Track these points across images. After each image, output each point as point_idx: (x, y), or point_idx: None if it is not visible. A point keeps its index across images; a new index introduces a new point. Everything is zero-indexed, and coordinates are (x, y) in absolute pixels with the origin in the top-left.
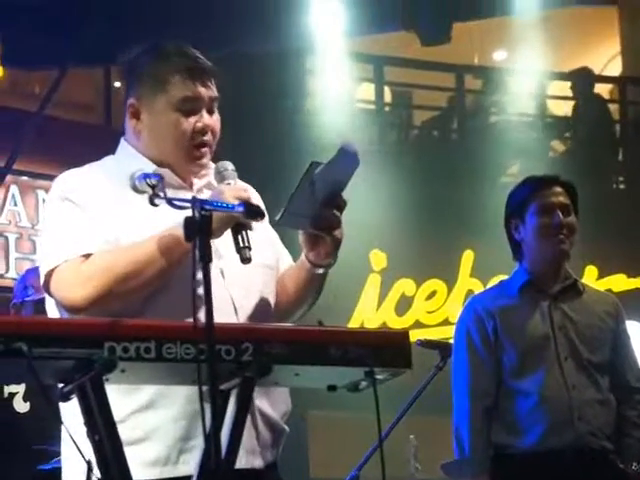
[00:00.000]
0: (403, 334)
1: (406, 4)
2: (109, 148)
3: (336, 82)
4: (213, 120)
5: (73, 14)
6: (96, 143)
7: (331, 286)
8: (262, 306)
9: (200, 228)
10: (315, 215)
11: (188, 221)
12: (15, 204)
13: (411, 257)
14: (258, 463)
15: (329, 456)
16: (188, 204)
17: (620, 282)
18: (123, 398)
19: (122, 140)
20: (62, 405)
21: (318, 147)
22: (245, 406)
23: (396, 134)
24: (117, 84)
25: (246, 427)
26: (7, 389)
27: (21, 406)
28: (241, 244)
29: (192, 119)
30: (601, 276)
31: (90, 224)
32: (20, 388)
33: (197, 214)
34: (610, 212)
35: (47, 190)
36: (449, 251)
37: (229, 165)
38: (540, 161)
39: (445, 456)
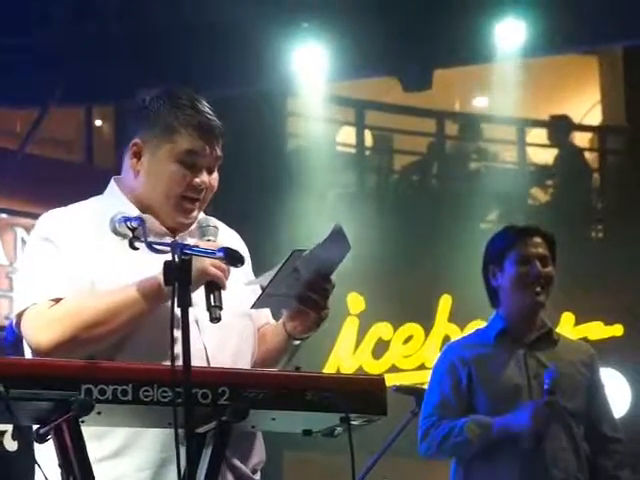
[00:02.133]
0: (379, 381)
1: (389, 50)
2: (90, 186)
3: (317, 125)
4: (212, 179)
5: (55, 53)
6: (77, 181)
7: None
8: (237, 357)
9: (180, 272)
10: (300, 294)
11: (167, 265)
12: None
13: (389, 300)
14: None
15: None
16: (168, 248)
17: (597, 330)
18: (90, 445)
19: (112, 180)
20: (37, 446)
21: (299, 188)
22: (221, 450)
23: (376, 178)
24: (98, 122)
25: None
26: None
27: (10, 444)
28: (212, 302)
29: (190, 174)
30: (578, 323)
31: (65, 267)
32: (9, 427)
33: (177, 258)
34: (588, 260)
35: (26, 228)
36: (427, 295)
37: (212, 221)
38: (519, 209)
39: None
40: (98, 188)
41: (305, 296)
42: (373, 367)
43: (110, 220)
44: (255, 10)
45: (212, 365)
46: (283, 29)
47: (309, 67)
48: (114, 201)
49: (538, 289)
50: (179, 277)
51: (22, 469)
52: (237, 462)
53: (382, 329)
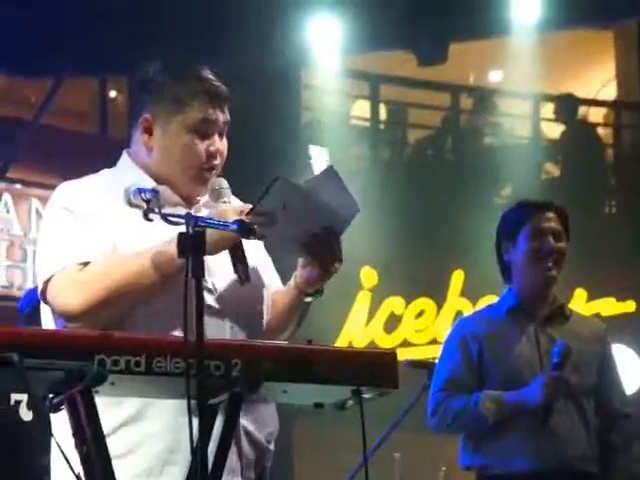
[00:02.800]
0: (391, 354)
1: (404, 24)
2: (104, 157)
3: (332, 98)
4: (223, 144)
5: (70, 26)
6: (91, 152)
7: (321, 301)
8: (252, 323)
9: (193, 244)
10: (308, 244)
11: (181, 237)
12: (8, 212)
13: (401, 275)
14: None
15: (315, 472)
16: (182, 220)
17: (609, 306)
18: (109, 411)
19: (124, 152)
20: (53, 416)
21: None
22: (233, 421)
23: (390, 152)
24: (113, 94)
25: (234, 447)
26: (13, 396)
27: (26, 414)
28: (239, 265)
29: (206, 142)
30: (590, 299)
31: (87, 233)
32: (24, 396)
33: (191, 230)
34: (601, 236)
35: (41, 198)
36: (439, 270)
37: (224, 183)
38: (532, 184)
39: (428, 471)
40: (112, 159)
41: (312, 247)
42: (385, 341)
43: (124, 191)
44: None
45: (230, 328)
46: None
47: (323, 39)
48: (129, 172)
49: (550, 264)
50: (193, 248)
51: (38, 438)
52: (252, 429)
53: (394, 303)
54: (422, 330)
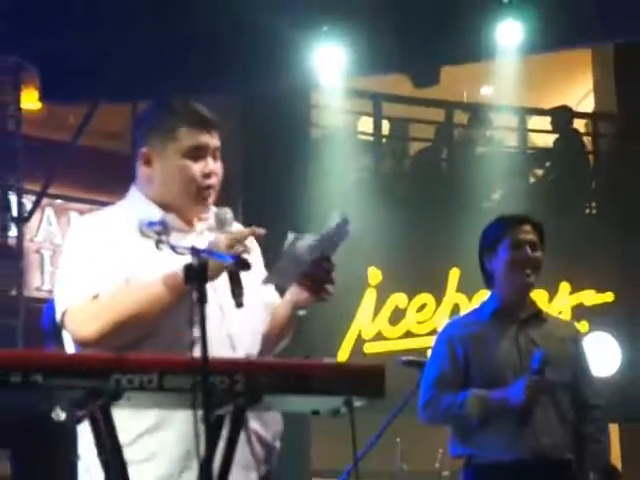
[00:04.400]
0: (379, 368)
1: (399, 50)
2: (134, 175)
3: (338, 115)
4: (217, 166)
5: (102, 57)
6: (123, 170)
7: (332, 298)
8: (254, 338)
9: (197, 274)
10: (307, 272)
11: (187, 267)
12: (50, 224)
13: (404, 273)
14: (253, 477)
15: (330, 456)
16: (188, 251)
17: (590, 297)
18: (130, 422)
19: (132, 187)
20: (79, 427)
21: (321, 172)
22: (237, 429)
23: (392, 163)
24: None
25: (243, 446)
26: None
27: (59, 415)
28: (236, 291)
29: (199, 165)
30: (574, 291)
31: (101, 266)
32: None
33: (195, 261)
34: (583, 235)
35: (79, 211)
36: (438, 268)
37: (228, 213)
38: (520, 188)
39: (427, 454)
40: None
41: (311, 274)
42: (390, 332)
43: (138, 224)
44: (280, 16)
45: (236, 344)
46: (305, 32)
47: (329, 65)
48: (139, 204)
49: (528, 271)
50: (197, 277)
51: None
52: (260, 430)
53: (398, 299)
54: (423, 322)
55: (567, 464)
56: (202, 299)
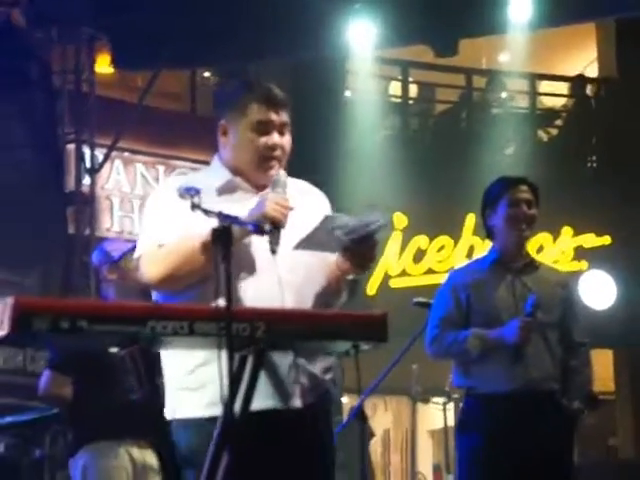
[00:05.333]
0: (382, 316)
1: (422, 24)
2: (193, 132)
3: (369, 80)
4: (283, 140)
5: (164, 29)
6: (182, 128)
7: None
8: (307, 280)
9: (222, 237)
10: (348, 246)
11: (213, 231)
12: (119, 174)
13: (426, 218)
14: (297, 403)
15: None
16: (216, 216)
17: (590, 239)
18: (187, 358)
19: (215, 156)
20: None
21: (356, 131)
22: (258, 368)
23: (418, 122)
24: (206, 74)
25: (290, 377)
26: None
27: (114, 349)
28: (272, 239)
29: (264, 138)
30: (575, 235)
31: (170, 222)
32: None
33: (220, 225)
34: (584, 185)
35: (144, 163)
36: (456, 214)
37: (282, 176)
38: (529, 145)
39: (440, 379)
40: (199, 134)
41: (352, 249)
42: (413, 270)
43: (177, 188)
44: None
45: (284, 287)
46: (340, 8)
47: (361, 37)
48: (214, 171)
49: (524, 227)
50: (221, 240)
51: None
52: (307, 365)
53: (420, 241)
54: (442, 261)
55: (554, 394)
56: (227, 259)
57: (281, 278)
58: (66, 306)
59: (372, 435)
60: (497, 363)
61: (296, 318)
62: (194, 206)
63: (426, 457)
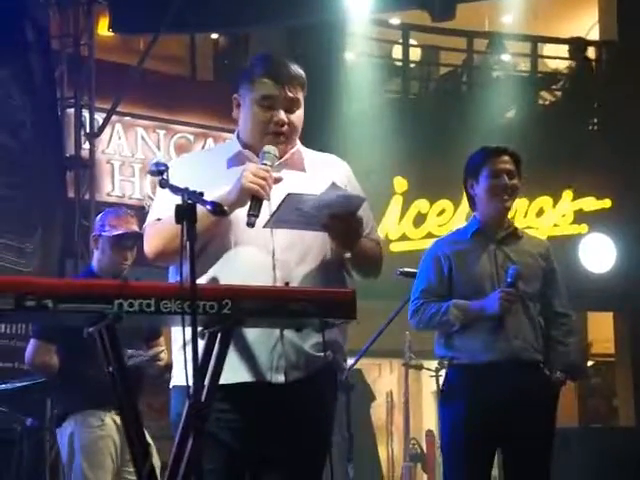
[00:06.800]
0: (350, 293)
1: None
2: (193, 95)
3: (370, 44)
4: (292, 117)
5: None
6: (182, 91)
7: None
8: (305, 255)
9: (186, 214)
10: (326, 223)
11: (177, 207)
12: (119, 138)
13: (426, 182)
14: (280, 379)
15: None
16: (180, 193)
17: (590, 203)
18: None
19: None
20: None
21: (357, 90)
22: (226, 344)
23: (418, 85)
24: (214, 35)
25: (275, 351)
26: None
27: None
28: (250, 211)
29: (268, 113)
30: (575, 198)
31: (170, 197)
32: None
33: (185, 203)
34: (585, 149)
35: (144, 127)
36: (456, 178)
37: (272, 150)
38: (530, 108)
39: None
40: (199, 97)
41: (330, 224)
42: (414, 234)
43: (148, 166)
44: None
45: (277, 264)
46: None
47: (359, 1)
48: (230, 144)
49: (505, 197)
50: (186, 217)
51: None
52: (296, 340)
53: (421, 204)
54: (442, 225)
55: (537, 364)
56: (191, 237)
57: (275, 257)
58: (31, 285)
59: (373, 398)
60: (479, 334)
61: (263, 295)
62: (162, 183)
63: (430, 419)
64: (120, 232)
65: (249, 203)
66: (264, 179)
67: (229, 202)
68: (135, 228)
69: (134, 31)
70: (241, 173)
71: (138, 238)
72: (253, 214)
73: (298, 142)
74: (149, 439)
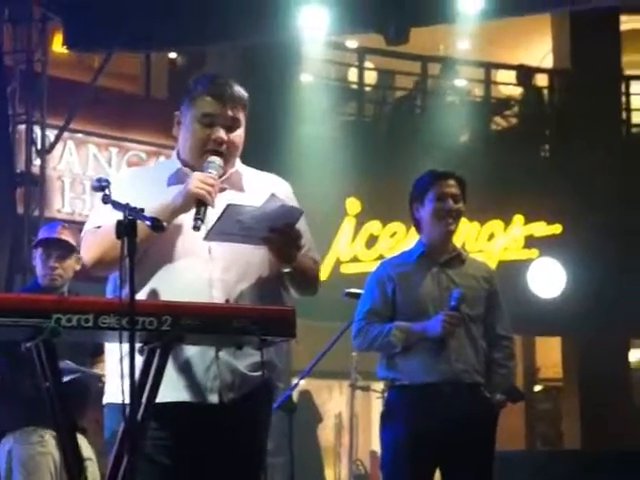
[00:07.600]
0: (290, 311)
1: (374, 12)
2: (146, 113)
3: (326, 67)
4: (231, 136)
5: (118, 9)
6: (135, 110)
7: (314, 225)
8: (243, 277)
9: (126, 230)
10: (266, 237)
11: (118, 223)
12: (71, 155)
13: (379, 204)
14: (215, 399)
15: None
16: (122, 209)
17: (541, 228)
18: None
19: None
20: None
21: (312, 112)
22: (164, 363)
23: (373, 108)
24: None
25: (210, 372)
26: None
27: None
28: (196, 216)
29: (208, 130)
30: (526, 223)
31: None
32: None
33: (125, 219)
34: (537, 174)
35: (96, 145)
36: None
37: (217, 160)
38: (483, 132)
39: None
40: (153, 115)
41: (269, 237)
42: (365, 255)
43: (91, 182)
44: None
45: (215, 286)
46: None
47: (314, 22)
48: (168, 162)
49: (450, 220)
50: (126, 232)
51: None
52: (232, 360)
53: (373, 226)
54: (394, 247)
55: (477, 386)
56: (131, 253)
57: (212, 277)
58: None
59: (320, 420)
60: (421, 356)
61: (203, 312)
62: (105, 199)
63: (377, 439)
64: (40, 237)
65: (194, 209)
66: (211, 185)
67: (175, 207)
68: (64, 237)
69: (88, 48)
70: (187, 180)
71: (67, 249)
72: (199, 218)
73: (238, 162)
74: (92, 455)
